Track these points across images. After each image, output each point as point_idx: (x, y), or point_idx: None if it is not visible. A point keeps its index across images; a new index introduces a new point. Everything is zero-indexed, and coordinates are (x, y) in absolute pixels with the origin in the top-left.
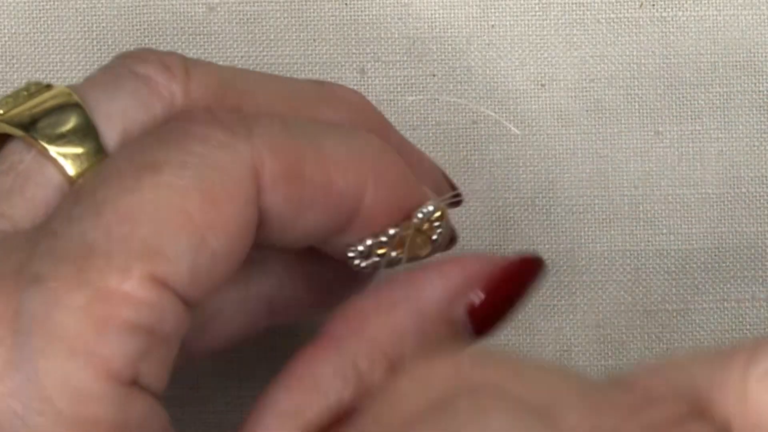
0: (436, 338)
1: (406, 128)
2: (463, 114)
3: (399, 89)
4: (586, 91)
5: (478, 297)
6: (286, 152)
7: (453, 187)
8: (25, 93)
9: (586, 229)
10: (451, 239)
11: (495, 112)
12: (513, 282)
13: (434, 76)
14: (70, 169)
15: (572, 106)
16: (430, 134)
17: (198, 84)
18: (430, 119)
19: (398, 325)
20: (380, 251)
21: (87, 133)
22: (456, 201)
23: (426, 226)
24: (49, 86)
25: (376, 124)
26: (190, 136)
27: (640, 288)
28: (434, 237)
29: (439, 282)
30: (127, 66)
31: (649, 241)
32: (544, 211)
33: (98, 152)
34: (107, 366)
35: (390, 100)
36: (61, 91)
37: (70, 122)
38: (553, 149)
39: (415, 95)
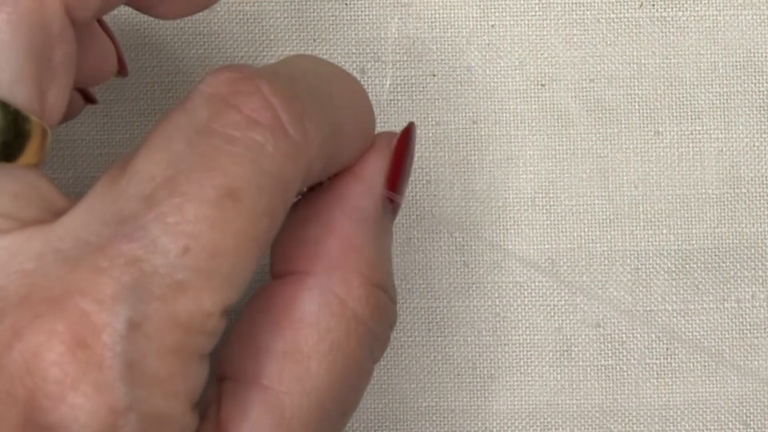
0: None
1: None
2: (463, 114)
3: (399, 89)
4: (586, 91)
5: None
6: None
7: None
8: None
9: (586, 229)
10: None
11: (495, 112)
12: (406, 148)
13: (434, 76)
14: None
15: (572, 106)
16: (430, 134)
17: (314, 137)
18: (430, 119)
19: (347, 238)
20: None
21: None
22: None
23: None
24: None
25: None
26: None
27: (640, 288)
28: None
29: (366, 184)
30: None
31: (649, 241)
32: (544, 211)
33: None
34: None
35: (390, 100)
36: None
37: None
38: (553, 149)
39: (415, 95)
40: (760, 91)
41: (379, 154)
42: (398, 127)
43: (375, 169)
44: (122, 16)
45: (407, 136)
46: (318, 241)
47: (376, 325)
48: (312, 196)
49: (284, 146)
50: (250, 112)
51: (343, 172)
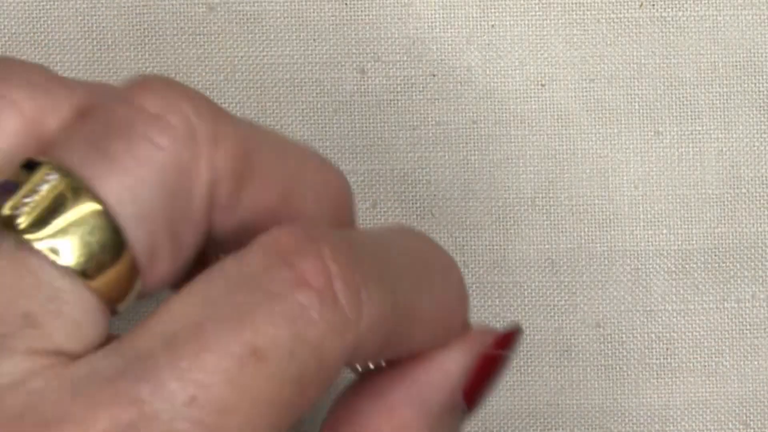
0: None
1: (406, 128)
2: (463, 114)
3: (399, 89)
4: (586, 91)
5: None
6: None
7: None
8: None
9: (586, 229)
10: None
11: (495, 112)
12: (496, 360)
13: (434, 76)
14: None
15: (572, 106)
16: (430, 134)
17: (223, 150)
18: (430, 119)
19: (402, 423)
20: None
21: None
22: None
23: None
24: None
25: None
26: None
27: (640, 288)
28: None
29: (440, 375)
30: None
31: (649, 241)
32: (544, 211)
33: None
34: None
35: (390, 100)
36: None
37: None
38: (553, 149)
39: (415, 95)
40: (760, 91)
41: (467, 347)
42: (398, 127)
43: (456, 364)
44: (122, 15)
45: (507, 341)
46: (370, 417)
47: None
48: (377, 373)
49: (330, 316)
50: (303, 272)
51: (420, 356)
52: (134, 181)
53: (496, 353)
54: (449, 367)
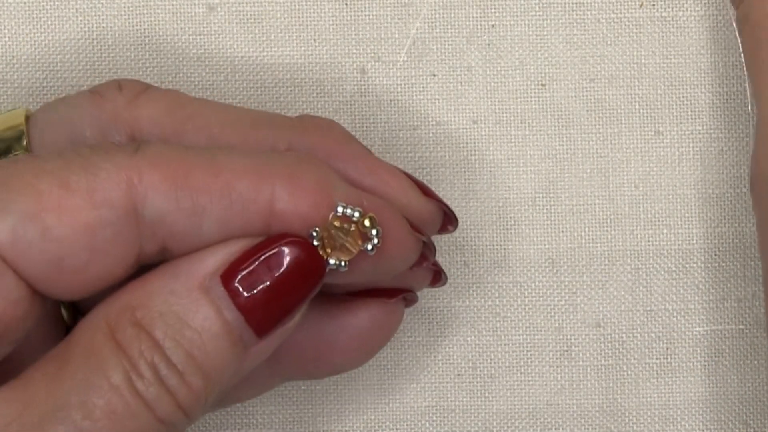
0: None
1: (406, 128)
2: (463, 114)
3: (399, 89)
4: (586, 91)
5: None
6: (170, 161)
7: (447, 216)
8: None
9: (586, 229)
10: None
11: (495, 112)
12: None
13: (434, 76)
14: None
15: (572, 106)
16: (430, 134)
17: (146, 100)
18: (430, 119)
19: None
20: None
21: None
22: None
23: (353, 227)
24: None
25: (340, 146)
26: (83, 149)
27: (640, 288)
28: (369, 246)
29: (193, 259)
30: (91, 88)
31: (649, 241)
32: (544, 211)
33: None
34: None
35: (390, 100)
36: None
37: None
38: (553, 149)
39: (415, 95)
40: None
41: (232, 242)
42: (398, 127)
43: (215, 251)
44: (122, 15)
45: (270, 245)
46: (124, 293)
47: None
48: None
49: None
50: None
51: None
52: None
53: (264, 251)
54: (207, 253)
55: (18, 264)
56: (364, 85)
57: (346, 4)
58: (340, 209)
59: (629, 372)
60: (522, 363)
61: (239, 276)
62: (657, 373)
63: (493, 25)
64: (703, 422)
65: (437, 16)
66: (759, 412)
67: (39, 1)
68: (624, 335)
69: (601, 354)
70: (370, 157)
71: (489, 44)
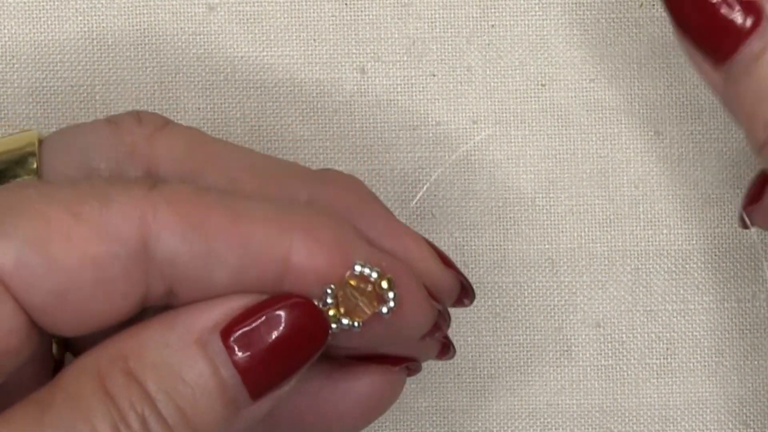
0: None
1: (406, 128)
2: (463, 114)
3: (399, 89)
4: (586, 91)
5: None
6: (187, 202)
7: (464, 288)
8: None
9: (586, 229)
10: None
11: (495, 112)
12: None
13: (434, 76)
14: None
15: (572, 106)
16: (430, 134)
17: (166, 136)
18: (430, 119)
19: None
20: (330, 313)
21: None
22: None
23: (369, 287)
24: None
25: (361, 204)
26: (97, 180)
27: (640, 288)
28: (385, 309)
29: (196, 310)
30: (108, 117)
31: (649, 241)
32: (544, 211)
33: None
34: None
35: (390, 100)
36: (28, 140)
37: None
38: (553, 149)
39: (415, 95)
40: None
41: (238, 296)
42: (398, 127)
43: (218, 305)
44: (122, 15)
45: (276, 304)
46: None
47: None
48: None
49: None
50: None
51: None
52: None
53: (266, 310)
54: (207, 306)
55: (19, 292)
56: (364, 85)
57: (346, 4)
58: (357, 268)
59: (629, 372)
60: (522, 363)
61: (239, 333)
62: (657, 373)
63: (493, 25)
64: (703, 422)
65: (437, 16)
66: (759, 413)
67: (39, 1)
68: (624, 335)
69: (601, 354)
70: (392, 219)
71: (489, 44)
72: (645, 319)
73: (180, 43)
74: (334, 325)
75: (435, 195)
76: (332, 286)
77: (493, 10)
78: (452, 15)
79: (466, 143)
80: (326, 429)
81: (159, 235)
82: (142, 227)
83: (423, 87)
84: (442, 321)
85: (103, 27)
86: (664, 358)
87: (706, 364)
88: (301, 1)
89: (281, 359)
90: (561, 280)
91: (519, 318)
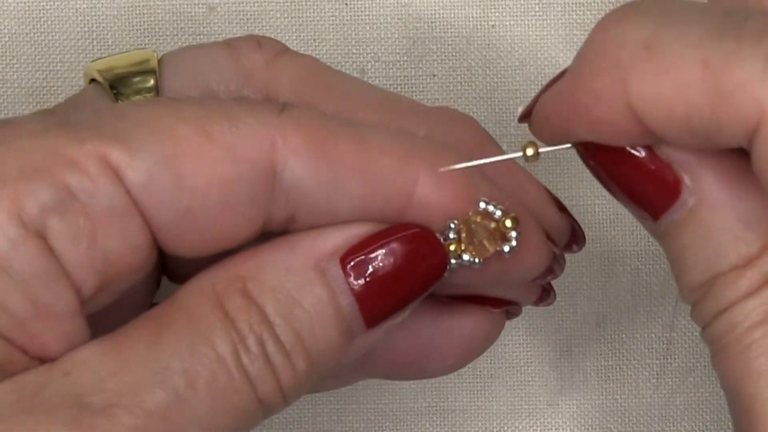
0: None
1: None
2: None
3: (399, 89)
4: None
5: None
6: (316, 129)
7: (575, 234)
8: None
9: (586, 229)
10: (551, 266)
11: (495, 113)
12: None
13: (434, 76)
14: None
15: None
16: None
17: (286, 62)
18: None
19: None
20: (451, 248)
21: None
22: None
23: (493, 225)
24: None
25: (478, 143)
26: (226, 101)
27: (640, 288)
28: (507, 248)
29: (315, 236)
30: (226, 40)
31: (649, 241)
32: None
33: None
34: (17, 202)
35: None
36: (147, 57)
37: (149, 82)
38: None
39: (415, 95)
40: None
41: (359, 224)
42: None
43: (339, 231)
44: (122, 15)
45: (410, 240)
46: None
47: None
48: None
49: None
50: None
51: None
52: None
53: (387, 240)
54: (327, 232)
55: (147, 209)
56: None
57: (346, 4)
58: (482, 205)
59: (629, 372)
60: (522, 363)
61: (358, 260)
62: (657, 373)
63: (493, 25)
64: (703, 422)
65: (437, 16)
66: None
67: (39, 1)
68: (624, 335)
69: (601, 354)
70: (509, 160)
71: (489, 44)
72: (645, 319)
73: (180, 43)
74: (453, 261)
75: None
76: (455, 221)
77: (493, 10)
78: (452, 15)
79: None
80: (422, 368)
81: (287, 160)
82: (271, 151)
83: (423, 87)
84: (556, 264)
85: (103, 27)
86: (664, 358)
87: (706, 364)
88: (301, 1)
89: (398, 289)
90: (561, 280)
91: (519, 318)
